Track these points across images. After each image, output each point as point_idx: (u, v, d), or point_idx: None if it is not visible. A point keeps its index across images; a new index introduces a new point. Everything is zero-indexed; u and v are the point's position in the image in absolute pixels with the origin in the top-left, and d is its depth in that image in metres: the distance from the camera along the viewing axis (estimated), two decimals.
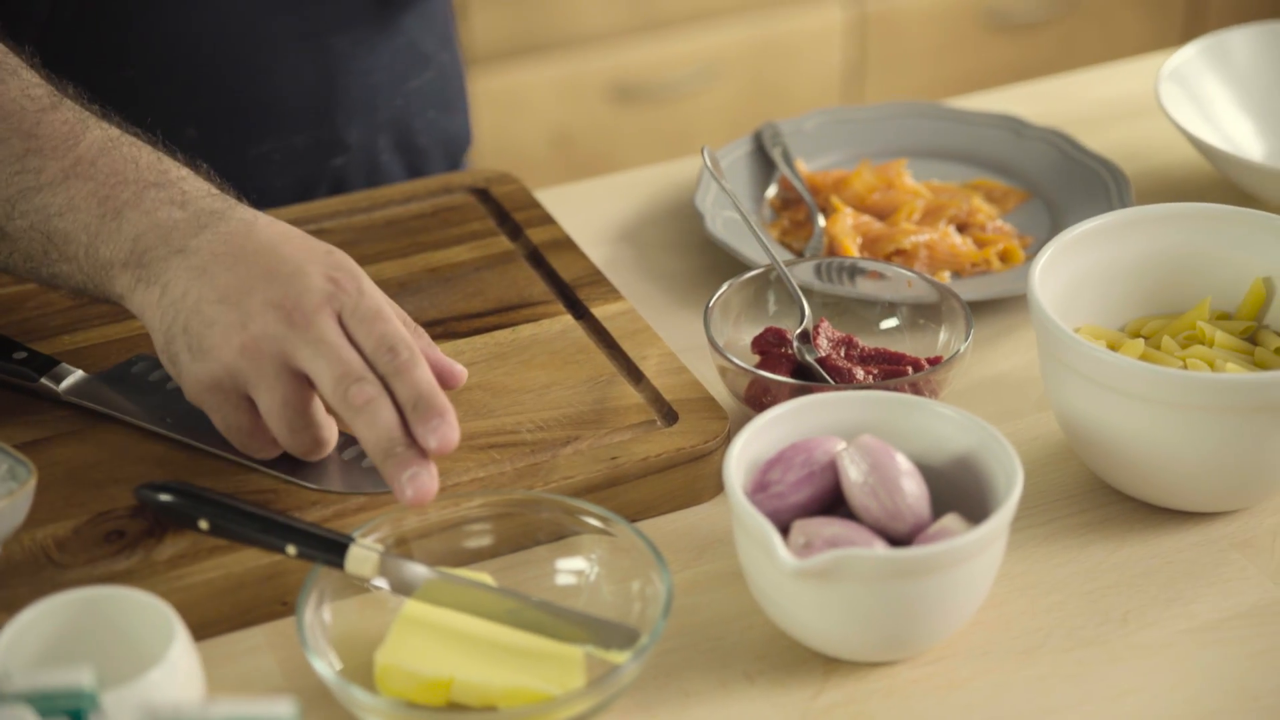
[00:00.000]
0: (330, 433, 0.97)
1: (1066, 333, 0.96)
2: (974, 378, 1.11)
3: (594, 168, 2.59)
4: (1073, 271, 1.04)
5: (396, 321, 0.95)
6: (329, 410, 0.97)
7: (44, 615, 0.84)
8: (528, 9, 2.54)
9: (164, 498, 0.91)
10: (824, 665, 0.91)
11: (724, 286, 1.09)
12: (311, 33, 1.30)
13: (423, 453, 0.92)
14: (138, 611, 0.85)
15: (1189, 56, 1.31)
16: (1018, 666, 0.90)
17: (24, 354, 1.05)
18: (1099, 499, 1.01)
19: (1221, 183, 1.29)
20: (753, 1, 2.66)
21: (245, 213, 0.98)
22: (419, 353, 0.94)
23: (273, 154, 1.32)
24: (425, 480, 0.91)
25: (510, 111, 2.60)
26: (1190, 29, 2.90)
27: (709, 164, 1.16)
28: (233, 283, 0.95)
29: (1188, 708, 0.87)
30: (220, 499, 0.91)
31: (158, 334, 0.97)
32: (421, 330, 1.00)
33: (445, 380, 0.97)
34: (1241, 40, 1.34)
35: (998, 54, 2.85)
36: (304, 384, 0.94)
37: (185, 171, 1.01)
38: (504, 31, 2.54)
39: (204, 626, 0.92)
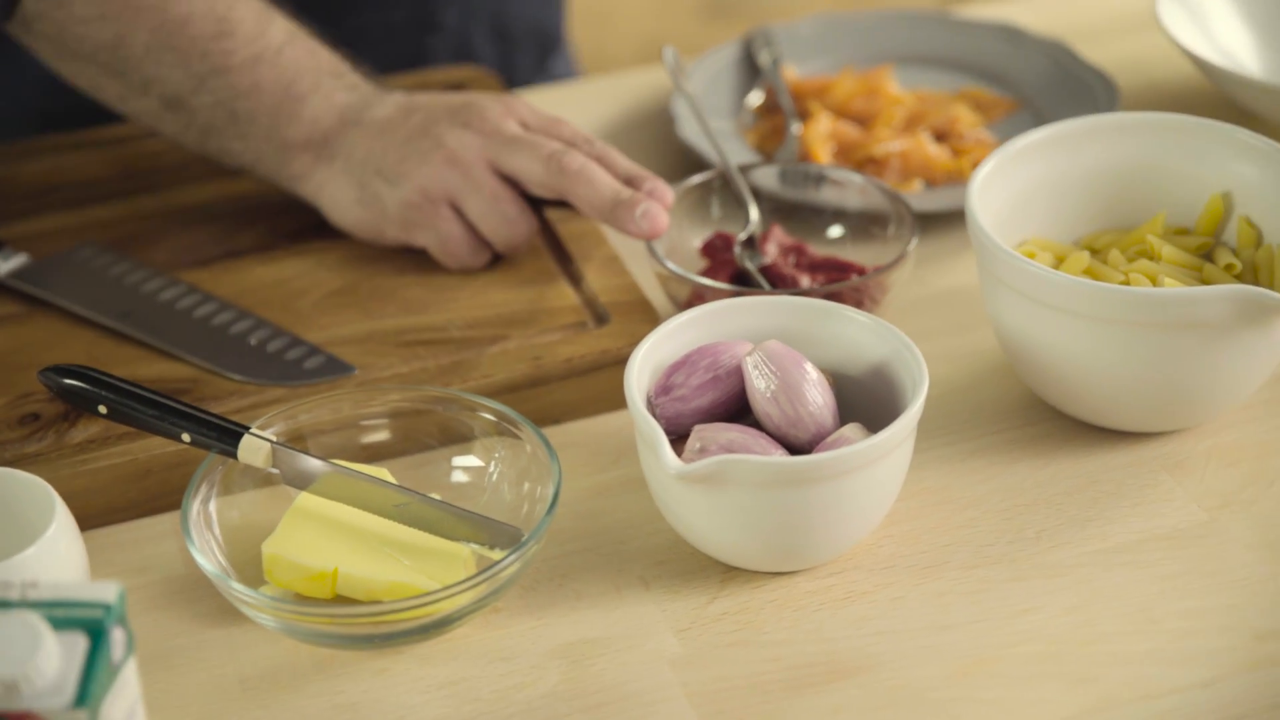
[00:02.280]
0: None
1: (995, 242, 0.93)
2: (931, 289, 1.08)
3: None
4: (1025, 182, 1.00)
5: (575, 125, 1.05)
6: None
7: None
8: None
9: (67, 381, 0.91)
10: (722, 574, 0.89)
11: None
12: None
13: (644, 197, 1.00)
14: (23, 491, 0.85)
15: None
16: (918, 581, 0.88)
17: None
18: (1035, 416, 0.98)
19: (1221, 99, 1.24)
20: None
21: (408, 94, 1.08)
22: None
23: (370, 26, 1.32)
24: (655, 213, 0.99)
25: (602, 22, 2.57)
26: None
27: (670, 65, 1.13)
28: (413, 129, 1.04)
29: (1082, 629, 0.85)
30: (122, 384, 0.90)
31: (347, 192, 1.05)
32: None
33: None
34: None
35: None
36: (508, 180, 1.03)
37: (351, 67, 1.09)
38: None
39: (112, 512, 0.93)
